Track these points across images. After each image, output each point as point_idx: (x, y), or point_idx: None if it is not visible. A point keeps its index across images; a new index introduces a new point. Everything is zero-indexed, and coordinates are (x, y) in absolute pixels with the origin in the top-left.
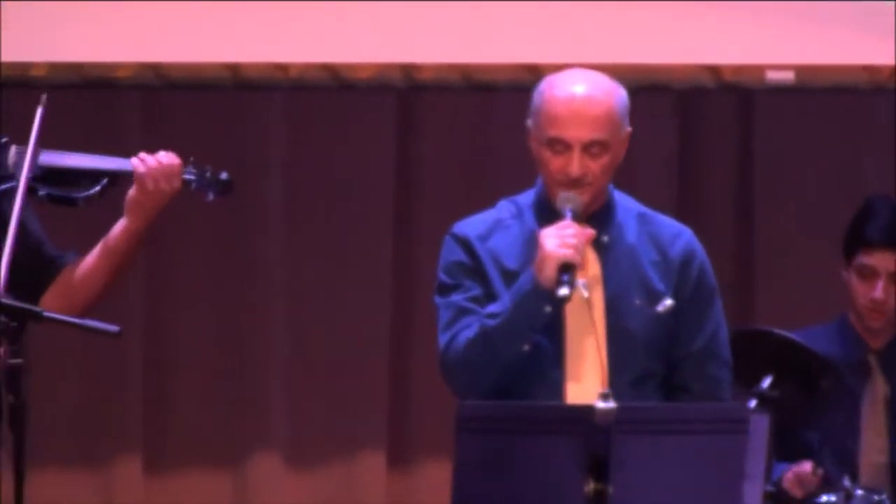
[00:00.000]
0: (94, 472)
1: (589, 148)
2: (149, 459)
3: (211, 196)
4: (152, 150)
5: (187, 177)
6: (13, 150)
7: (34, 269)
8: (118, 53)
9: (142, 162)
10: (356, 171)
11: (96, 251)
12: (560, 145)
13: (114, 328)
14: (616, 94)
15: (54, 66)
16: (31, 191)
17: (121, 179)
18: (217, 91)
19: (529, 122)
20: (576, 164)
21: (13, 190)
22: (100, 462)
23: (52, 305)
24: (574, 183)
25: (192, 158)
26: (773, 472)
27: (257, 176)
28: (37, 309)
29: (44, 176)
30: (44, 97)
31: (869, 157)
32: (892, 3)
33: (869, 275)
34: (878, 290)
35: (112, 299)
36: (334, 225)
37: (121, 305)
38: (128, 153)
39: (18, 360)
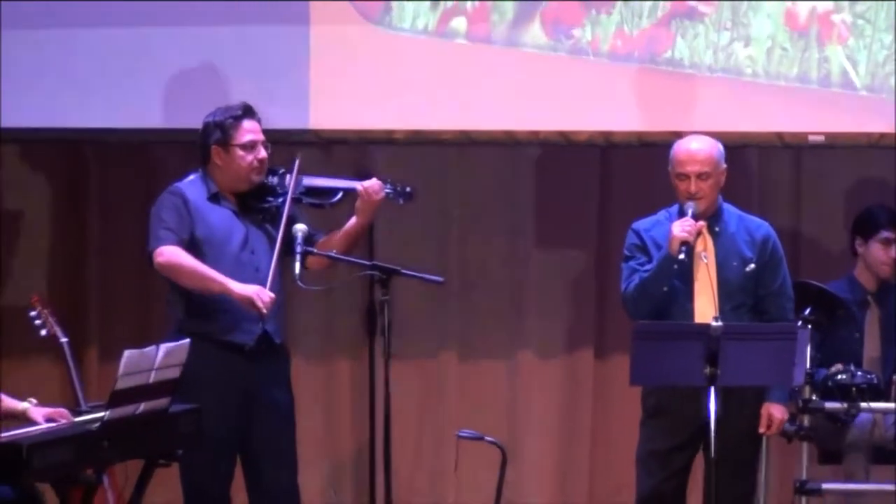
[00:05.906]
0: (420, 364)
1: (699, 176)
2: (460, 354)
3: (401, 201)
4: (461, 184)
5: (387, 190)
6: (288, 176)
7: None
8: (439, 122)
9: (361, 184)
10: (576, 197)
11: (339, 234)
12: (684, 176)
13: (439, 279)
14: (715, 146)
15: (415, 133)
16: (298, 200)
17: (350, 193)
18: (486, 147)
19: (670, 168)
20: (693, 186)
21: (285, 201)
22: (426, 356)
23: (312, 264)
24: (692, 196)
25: (388, 178)
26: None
27: (519, 199)
28: (397, 267)
29: (306, 191)
30: (299, 155)
31: (869, 185)
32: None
33: (887, 243)
34: (893, 252)
35: (435, 261)
36: (568, 229)
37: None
38: (444, 184)
39: (386, 297)
